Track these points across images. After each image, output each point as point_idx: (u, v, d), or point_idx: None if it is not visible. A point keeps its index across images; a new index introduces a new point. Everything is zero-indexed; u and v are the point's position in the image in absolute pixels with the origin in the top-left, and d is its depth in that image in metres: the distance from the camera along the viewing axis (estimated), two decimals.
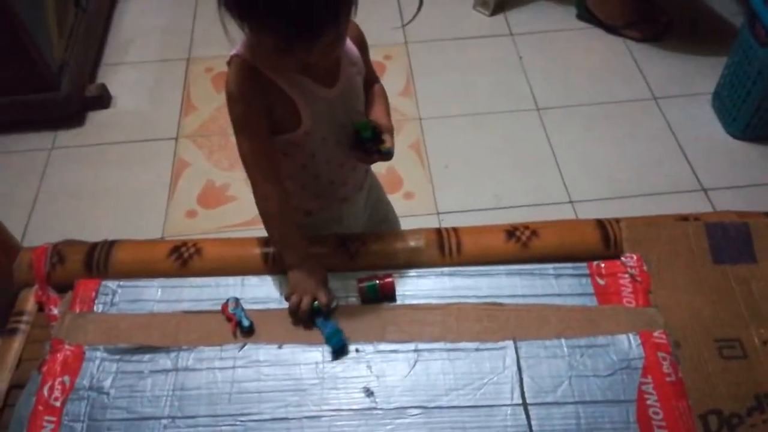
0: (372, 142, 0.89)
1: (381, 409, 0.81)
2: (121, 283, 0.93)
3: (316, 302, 0.86)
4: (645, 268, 0.92)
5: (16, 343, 0.90)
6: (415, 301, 0.91)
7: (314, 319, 0.87)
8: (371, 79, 0.97)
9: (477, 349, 0.85)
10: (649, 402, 0.80)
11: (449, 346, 0.86)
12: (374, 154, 0.90)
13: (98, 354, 0.86)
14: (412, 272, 0.93)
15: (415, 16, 0.91)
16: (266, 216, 0.90)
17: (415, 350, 0.86)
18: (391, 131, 0.93)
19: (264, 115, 0.84)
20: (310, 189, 0.98)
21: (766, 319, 0.87)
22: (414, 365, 0.84)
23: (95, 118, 1.88)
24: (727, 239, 0.94)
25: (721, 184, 1.65)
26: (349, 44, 0.87)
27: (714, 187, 1.65)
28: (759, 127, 1.70)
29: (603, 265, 0.93)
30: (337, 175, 0.97)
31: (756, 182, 1.65)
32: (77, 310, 0.90)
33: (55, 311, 0.91)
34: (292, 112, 0.85)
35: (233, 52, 0.82)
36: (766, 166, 1.69)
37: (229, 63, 0.83)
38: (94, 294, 0.92)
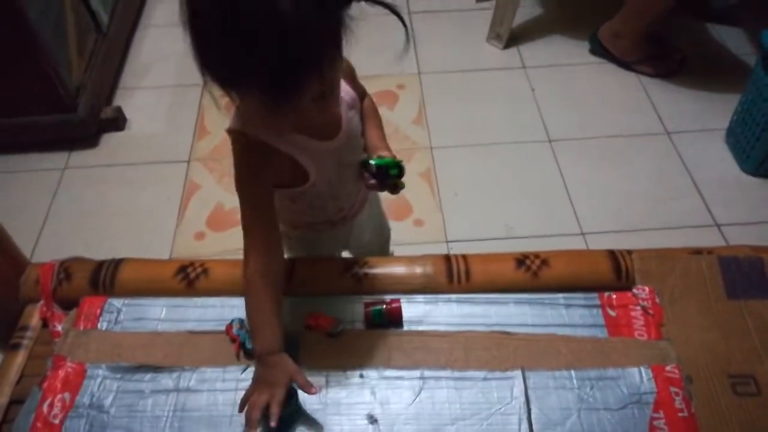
0: (396, 178, 0.88)
1: None
2: (127, 301, 0.93)
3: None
4: (657, 300, 0.90)
5: (19, 358, 0.89)
6: (422, 328, 0.89)
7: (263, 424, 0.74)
8: (362, 96, 0.95)
9: (485, 378, 0.83)
10: None
11: (456, 374, 0.84)
12: (390, 187, 0.89)
13: (100, 372, 0.85)
14: (420, 298, 0.92)
15: (406, 49, 0.85)
16: (246, 296, 0.82)
17: (421, 377, 0.84)
18: (388, 151, 0.93)
19: (269, 185, 0.83)
20: (320, 218, 0.98)
21: None
22: (419, 393, 0.83)
23: (110, 139, 1.90)
24: (742, 273, 0.93)
25: (734, 220, 1.63)
26: (345, 86, 0.85)
27: (728, 222, 1.63)
28: None
29: (614, 296, 0.91)
30: (345, 202, 0.97)
31: None
32: (81, 327, 0.90)
33: (59, 328, 0.91)
34: (297, 172, 0.84)
35: (228, 126, 0.80)
36: None
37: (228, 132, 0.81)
38: (99, 311, 0.92)
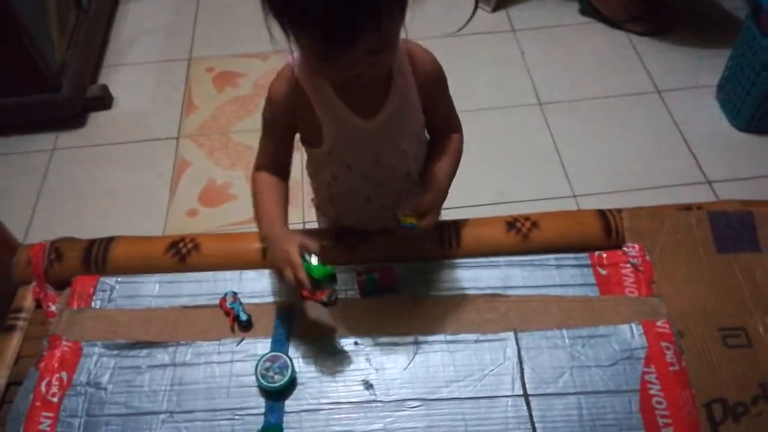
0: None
1: (380, 401, 0.80)
2: (119, 279, 0.93)
3: (305, 255, 0.77)
4: (647, 257, 0.91)
5: (15, 340, 0.89)
6: (414, 293, 0.90)
7: (311, 271, 0.76)
8: (446, 126, 0.90)
9: (477, 341, 0.84)
10: (652, 392, 0.78)
11: (449, 338, 0.85)
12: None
13: (96, 350, 0.85)
14: (412, 265, 0.92)
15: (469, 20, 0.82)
16: (252, 195, 0.89)
17: (415, 342, 0.85)
18: (442, 196, 0.87)
19: (289, 124, 0.85)
20: (335, 205, 0.97)
21: None
22: (413, 357, 0.83)
23: (97, 118, 1.88)
24: (731, 228, 0.93)
25: (725, 176, 1.63)
26: (409, 81, 0.81)
27: (719, 179, 1.63)
28: (764, 119, 1.68)
29: (605, 255, 0.92)
30: (362, 208, 0.93)
31: (761, 174, 1.63)
32: (75, 307, 0.90)
33: (53, 308, 0.91)
34: (315, 131, 0.83)
35: (290, 60, 0.80)
36: None
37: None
38: (92, 290, 0.92)
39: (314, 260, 0.77)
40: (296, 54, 0.76)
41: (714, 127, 1.76)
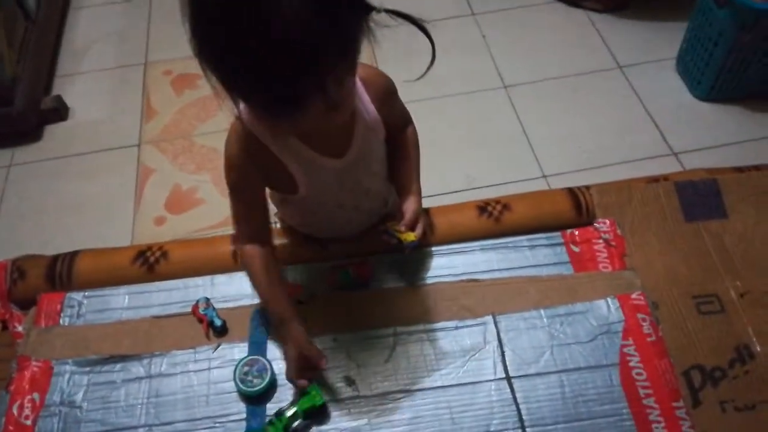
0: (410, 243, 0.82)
1: (363, 396, 0.79)
2: (87, 293, 0.90)
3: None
4: (618, 231, 0.91)
5: None
6: (389, 285, 0.89)
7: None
8: (400, 123, 0.88)
9: (456, 327, 0.84)
10: (631, 364, 0.79)
11: (428, 326, 0.84)
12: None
13: (67, 368, 0.83)
14: (386, 256, 0.91)
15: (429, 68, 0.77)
16: (250, 276, 0.84)
17: (394, 334, 0.84)
18: (419, 195, 0.85)
19: (259, 182, 0.80)
20: (310, 230, 0.94)
21: (740, 272, 0.87)
22: (394, 349, 0.83)
23: (53, 131, 1.83)
24: (698, 196, 0.94)
25: (690, 146, 1.66)
26: (367, 106, 0.78)
27: (684, 150, 1.65)
28: (723, 88, 1.71)
29: (577, 232, 0.92)
30: (337, 227, 0.91)
31: (724, 142, 1.66)
32: (43, 325, 0.87)
33: (20, 328, 0.88)
34: (288, 180, 0.79)
35: (236, 112, 0.73)
36: (733, 125, 1.70)
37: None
38: (59, 307, 0.89)
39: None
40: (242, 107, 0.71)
41: (676, 99, 1.78)
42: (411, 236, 0.81)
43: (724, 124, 1.70)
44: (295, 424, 0.76)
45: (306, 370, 0.78)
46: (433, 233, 0.93)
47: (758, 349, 0.81)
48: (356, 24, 0.61)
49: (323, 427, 0.77)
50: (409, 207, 0.83)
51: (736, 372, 0.79)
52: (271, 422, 0.76)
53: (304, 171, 0.78)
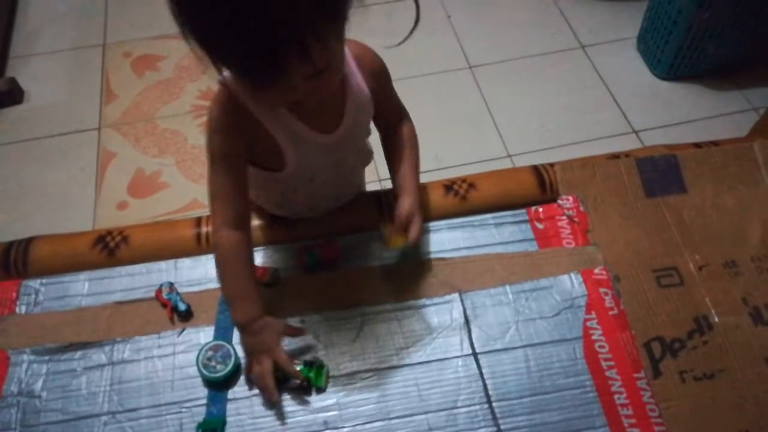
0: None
1: (331, 377, 0.79)
2: (44, 280, 0.87)
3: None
4: (581, 208, 0.93)
5: None
6: (357, 265, 0.88)
7: (281, 382, 0.76)
8: (394, 119, 0.86)
9: (423, 306, 0.84)
10: (594, 337, 0.81)
11: (395, 305, 0.84)
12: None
13: (25, 357, 0.81)
14: (353, 237, 0.91)
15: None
16: (217, 263, 0.78)
17: (361, 314, 0.84)
18: (417, 194, 0.83)
19: (243, 152, 0.75)
20: (283, 212, 0.91)
21: (699, 245, 0.89)
22: (361, 329, 0.83)
23: (8, 114, 1.77)
24: (658, 172, 0.96)
25: (650, 124, 1.69)
26: (360, 84, 0.77)
27: (644, 128, 1.69)
28: (682, 66, 1.74)
29: (541, 209, 0.93)
30: (319, 205, 0.90)
31: (683, 120, 1.70)
32: None
33: None
34: (275, 155, 0.76)
35: (221, 77, 0.70)
36: (691, 103, 1.74)
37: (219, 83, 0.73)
38: (14, 295, 0.86)
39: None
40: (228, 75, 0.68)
41: (637, 78, 1.81)
42: (399, 241, 0.79)
43: (683, 102, 1.74)
44: (293, 382, 0.76)
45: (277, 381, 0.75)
46: None
47: (716, 320, 0.83)
48: None
49: (290, 409, 0.77)
50: (403, 207, 0.80)
51: (695, 342, 0.81)
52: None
53: (294, 145, 0.75)
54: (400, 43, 0.74)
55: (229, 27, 0.55)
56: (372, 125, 0.88)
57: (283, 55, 0.57)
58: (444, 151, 1.65)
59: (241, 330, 0.78)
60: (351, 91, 0.76)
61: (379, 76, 0.80)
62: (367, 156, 0.92)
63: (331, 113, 0.76)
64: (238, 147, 0.75)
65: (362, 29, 0.65)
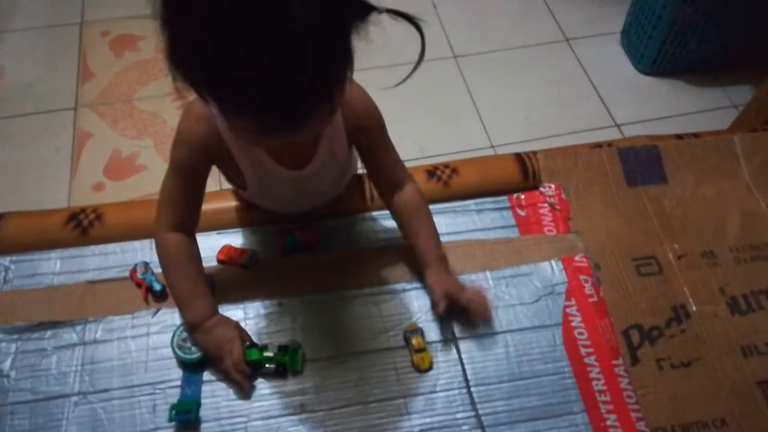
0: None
1: (309, 360, 0.78)
2: (14, 258, 0.85)
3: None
4: (563, 196, 0.92)
5: None
6: (337, 249, 0.87)
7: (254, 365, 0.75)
8: (396, 180, 0.80)
9: (404, 290, 0.83)
10: (573, 323, 0.81)
11: (375, 289, 0.83)
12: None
13: None
14: (334, 220, 0.90)
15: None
16: (164, 265, 0.77)
17: (341, 297, 0.83)
18: (440, 271, 0.78)
19: (205, 167, 0.74)
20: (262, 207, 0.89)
21: (678, 235, 0.90)
22: (340, 312, 0.82)
23: None
24: (639, 162, 0.96)
25: (632, 118, 1.70)
26: (338, 124, 0.74)
27: (626, 122, 1.69)
28: (665, 61, 1.75)
29: (523, 196, 0.93)
30: (289, 210, 0.89)
31: (664, 115, 1.70)
32: None
33: None
34: (237, 176, 0.76)
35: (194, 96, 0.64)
36: (673, 98, 1.75)
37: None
38: None
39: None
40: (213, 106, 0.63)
41: (620, 72, 1.82)
42: (426, 360, 0.77)
43: (665, 97, 1.75)
44: (268, 367, 0.75)
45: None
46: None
47: (694, 308, 0.83)
48: (357, 27, 0.56)
49: (266, 391, 0.75)
50: (435, 286, 0.77)
51: (673, 331, 0.81)
52: (253, 345, 0.75)
53: (257, 175, 0.75)
54: (399, 84, 0.74)
55: (256, 84, 0.51)
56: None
57: (311, 104, 0.55)
58: (427, 140, 1.64)
59: (194, 329, 0.75)
60: (325, 132, 0.73)
61: (368, 122, 0.77)
62: (344, 182, 0.88)
63: (303, 152, 0.74)
64: (201, 163, 0.73)
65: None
